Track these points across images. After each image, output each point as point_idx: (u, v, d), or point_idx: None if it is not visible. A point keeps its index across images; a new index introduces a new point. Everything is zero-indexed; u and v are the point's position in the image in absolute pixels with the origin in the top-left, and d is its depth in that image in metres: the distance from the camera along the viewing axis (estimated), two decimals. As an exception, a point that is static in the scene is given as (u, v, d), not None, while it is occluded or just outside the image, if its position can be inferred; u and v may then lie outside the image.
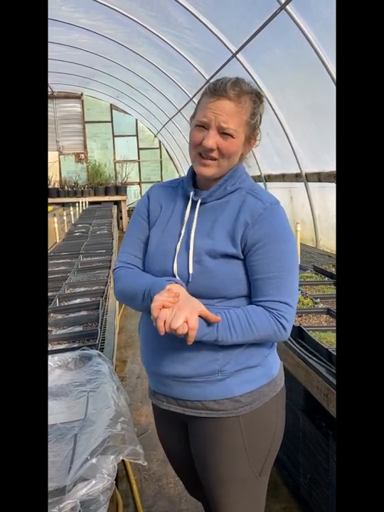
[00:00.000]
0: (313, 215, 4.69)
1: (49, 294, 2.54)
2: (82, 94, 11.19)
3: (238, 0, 4.03)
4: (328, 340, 1.78)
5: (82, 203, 9.46)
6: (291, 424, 1.97)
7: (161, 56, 6.54)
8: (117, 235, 5.50)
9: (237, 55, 4.66)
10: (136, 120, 11.54)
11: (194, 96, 6.63)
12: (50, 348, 1.81)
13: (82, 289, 2.77)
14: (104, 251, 4.05)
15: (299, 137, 4.58)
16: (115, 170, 11.66)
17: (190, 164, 1.17)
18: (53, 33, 6.30)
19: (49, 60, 6.43)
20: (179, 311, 0.98)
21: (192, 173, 1.18)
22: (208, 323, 1.03)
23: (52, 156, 11.13)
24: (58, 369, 1.55)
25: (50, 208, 7.96)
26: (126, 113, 11.41)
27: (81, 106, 11.37)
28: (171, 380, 1.15)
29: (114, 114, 11.49)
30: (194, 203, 1.16)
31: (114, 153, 11.65)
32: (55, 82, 10.02)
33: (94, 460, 1.01)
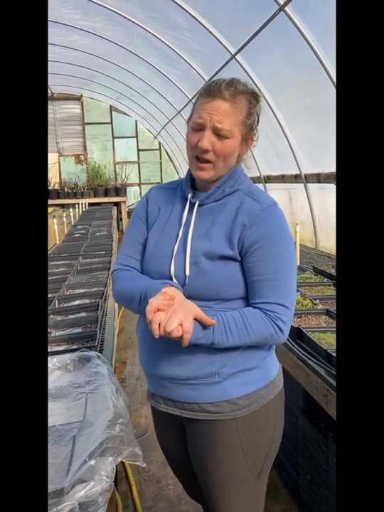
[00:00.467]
0: (312, 216, 4.69)
1: (48, 295, 2.54)
2: (81, 95, 11.20)
3: (237, 1, 4.03)
4: (328, 341, 1.78)
5: (82, 204, 9.46)
6: (290, 426, 1.97)
7: (160, 57, 6.55)
8: (117, 237, 5.50)
9: (236, 57, 4.66)
10: (136, 121, 11.55)
11: (193, 97, 6.64)
12: (49, 349, 1.81)
13: (82, 291, 2.77)
14: (103, 252, 4.05)
15: (298, 138, 4.58)
16: (115, 171, 11.67)
17: None
18: (52, 34, 6.31)
19: (48, 62, 6.44)
20: (174, 313, 0.97)
21: (191, 174, 1.18)
22: (204, 326, 1.02)
23: (52, 157, 11.14)
24: (57, 370, 1.55)
25: (49, 210, 7.95)
26: (126, 114, 11.42)
27: (81, 107, 11.38)
28: (168, 382, 1.14)
29: (114, 116, 11.50)
30: (192, 204, 1.16)
31: (114, 154, 11.66)
32: (54, 84, 10.03)
33: (92, 462, 1.00)
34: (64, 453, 1.07)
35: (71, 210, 7.89)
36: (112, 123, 11.53)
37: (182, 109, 7.75)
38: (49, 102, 10.79)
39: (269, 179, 5.69)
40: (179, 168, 11.33)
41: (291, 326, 1.93)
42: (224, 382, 1.10)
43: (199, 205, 1.15)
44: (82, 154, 11.56)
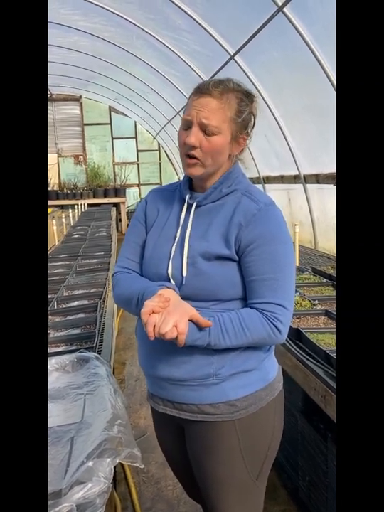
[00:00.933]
0: (311, 217, 4.69)
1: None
2: (80, 96, 11.20)
3: (236, 2, 4.03)
4: (326, 342, 1.78)
5: (81, 205, 9.46)
6: (289, 427, 1.96)
7: (159, 58, 6.55)
8: (116, 237, 5.50)
9: (235, 57, 4.66)
10: (135, 122, 11.55)
11: (193, 98, 6.62)
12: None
13: (81, 292, 2.76)
14: (102, 253, 4.04)
15: (297, 139, 4.59)
16: (114, 172, 11.66)
17: None
18: (52, 35, 6.29)
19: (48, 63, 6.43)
20: (168, 315, 0.97)
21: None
22: (200, 327, 1.02)
23: (51, 158, 11.13)
24: (55, 372, 1.54)
25: (49, 210, 7.94)
26: (125, 115, 11.42)
27: (80, 108, 11.38)
28: (166, 383, 1.14)
29: (113, 117, 11.49)
30: (189, 205, 1.16)
31: (113, 155, 11.66)
32: (53, 85, 10.03)
33: (90, 463, 1.00)
34: (62, 454, 1.06)
35: (70, 210, 7.89)
36: (111, 124, 11.53)
37: (181, 109, 7.75)
38: (48, 103, 10.78)
39: (268, 180, 5.69)
40: (178, 168, 11.33)
41: (290, 327, 1.94)
42: (222, 383, 1.10)
43: (197, 206, 1.15)
44: (81, 155, 11.55)
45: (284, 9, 3.41)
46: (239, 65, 4.69)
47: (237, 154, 1.15)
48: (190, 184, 1.20)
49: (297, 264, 3.19)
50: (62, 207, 10.00)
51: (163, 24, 5.36)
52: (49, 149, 10.87)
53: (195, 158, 1.09)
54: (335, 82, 3.36)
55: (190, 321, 1.01)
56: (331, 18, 2.87)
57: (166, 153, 11.73)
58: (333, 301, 2.27)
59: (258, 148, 5.34)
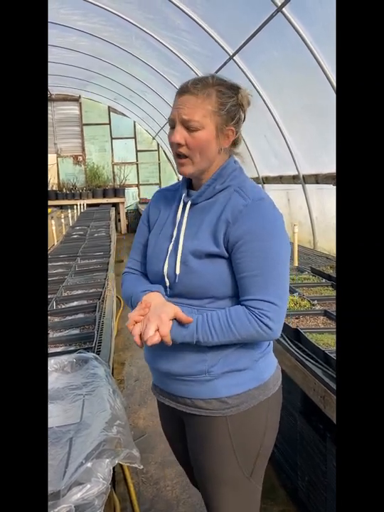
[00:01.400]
0: (310, 217, 4.69)
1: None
2: (80, 96, 11.18)
3: (235, 2, 4.03)
4: (325, 342, 1.78)
5: (80, 205, 9.45)
6: (288, 427, 1.96)
7: (158, 58, 6.54)
8: (115, 238, 5.50)
9: (235, 57, 4.66)
10: (134, 122, 11.54)
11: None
12: (46, 350, 1.80)
13: (80, 292, 2.76)
14: (101, 253, 4.04)
15: (296, 139, 4.58)
16: (113, 172, 11.65)
17: None
18: (51, 35, 6.27)
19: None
20: (148, 322, 1.03)
21: None
22: (185, 325, 1.05)
23: (50, 158, 11.11)
24: (54, 372, 1.54)
25: (48, 211, 7.94)
26: (125, 115, 11.41)
27: (79, 108, 11.36)
28: (166, 376, 1.18)
29: (112, 117, 11.48)
30: (185, 204, 1.18)
31: (113, 155, 11.65)
32: (52, 85, 10.01)
33: (89, 464, 1.00)
34: (61, 455, 1.06)
35: (69, 211, 7.89)
36: (110, 124, 11.52)
37: (180, 110, 7.74)
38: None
39: (267, 180, 5.68)
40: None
41: (289, 327, 1.94)
42: (214, 381, 1.12)
43: (192, 205, 1.16)
44: (80, 155, 11.54)
45: (283, 9, 3.41)
46: (238, 65, 4.69)
47: (228, 147, 1.15)
48: (189, 183, 1.22)
49: (296, 265, 3.18)
50: (61, 207, 9.99)
51: (163, 24, 5.35)
52: (48, 149, 10.86)
53: (185, 157, 1.11)
54: (334, 82, 3.36)
55: (175, 319, 1.05)
56: (331, 18, 2.87)
57: (166, 154, 11.73)
58: (332, 302, 2.27)
59: (257, 148, 5.34)
